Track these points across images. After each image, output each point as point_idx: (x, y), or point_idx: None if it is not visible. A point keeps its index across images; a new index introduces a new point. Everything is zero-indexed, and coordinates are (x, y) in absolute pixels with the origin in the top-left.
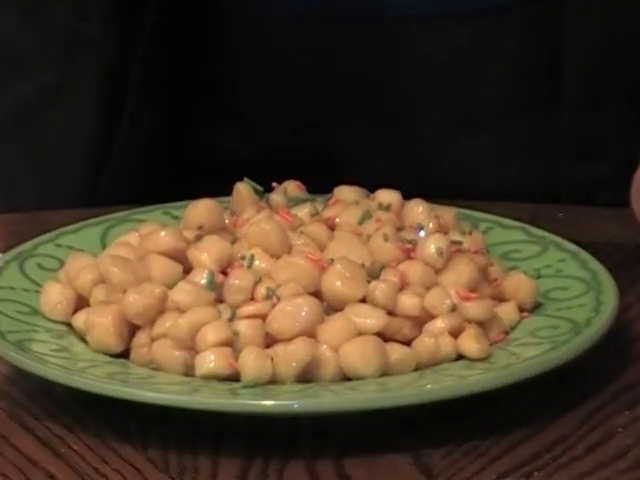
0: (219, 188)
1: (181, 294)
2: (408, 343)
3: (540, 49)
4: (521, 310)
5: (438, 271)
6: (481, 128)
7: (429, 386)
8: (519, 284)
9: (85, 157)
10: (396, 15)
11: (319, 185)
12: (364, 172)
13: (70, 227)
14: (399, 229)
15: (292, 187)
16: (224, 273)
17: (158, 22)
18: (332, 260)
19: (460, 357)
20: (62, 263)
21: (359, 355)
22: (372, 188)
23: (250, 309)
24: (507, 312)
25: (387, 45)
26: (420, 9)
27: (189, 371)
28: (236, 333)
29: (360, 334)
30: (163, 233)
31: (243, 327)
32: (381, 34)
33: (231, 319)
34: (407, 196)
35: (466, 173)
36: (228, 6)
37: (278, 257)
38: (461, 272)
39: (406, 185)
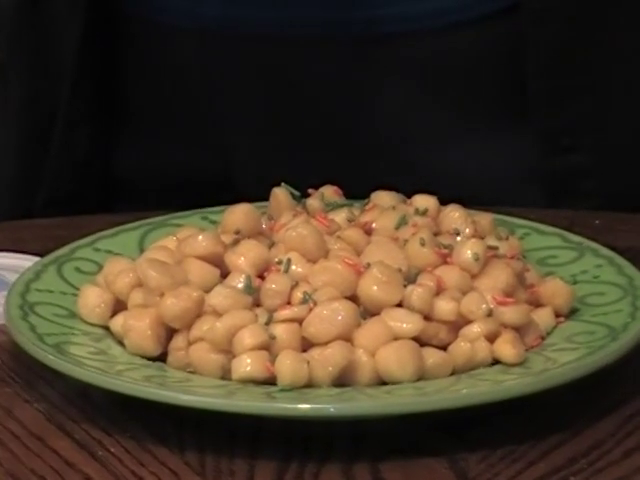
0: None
1: (218, 298)
2: (444, 348)
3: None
4: (557, 315)
5: (474, 276)
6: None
7: (465, 391)
8: (555, 289)
9: (12, 188)
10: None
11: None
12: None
13: (108, 231)
14: (436, 234)
15: (329, 192)
16: (261, 277)
17: (83, 49)
18: (369, 264)
19: (496, 362)
20: (100, 267)
21: (395, 359)
22: (409, 193)
23: (287, 313)
24: (543, 317)
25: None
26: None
27: (226, 374)
28: (273, 337)
29: (396, 338)
30: (201, 237)
31: (280, 331)
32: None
33: (268, 323)
34: None
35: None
36: (129, 15)
37: (315, 261)
38: (497, 277)
39: None
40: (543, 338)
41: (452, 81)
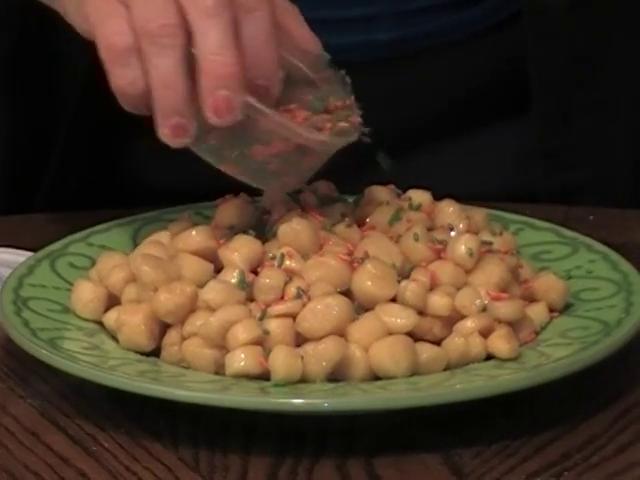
0: None
1: (212, 293)
2: (438, 343)
3: (506, 70)
4: (551, 310)
5: (468, 271)
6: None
7: (459, 386)
8: (549, 285)
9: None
10: None
11: None
12: None
13: (102, 226)
14: (430, 229)
15: (323, 187)
16: (255, 272)
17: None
18: (363, 260)
19: (490, 357)
20: (93, 262)
21: (389, 354)
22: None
23: (280, 308)
24: (537, 312)
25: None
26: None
27: (219, 370)
28: (266, 332)
29: (390, 333)
30: (194, 232)
31: (273, 326)
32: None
33: (261, 318)
34: None
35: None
36: None
37: (309, 256)
38: (491, 272)
39: None
40: (537, 333)
41: (460, 89)
